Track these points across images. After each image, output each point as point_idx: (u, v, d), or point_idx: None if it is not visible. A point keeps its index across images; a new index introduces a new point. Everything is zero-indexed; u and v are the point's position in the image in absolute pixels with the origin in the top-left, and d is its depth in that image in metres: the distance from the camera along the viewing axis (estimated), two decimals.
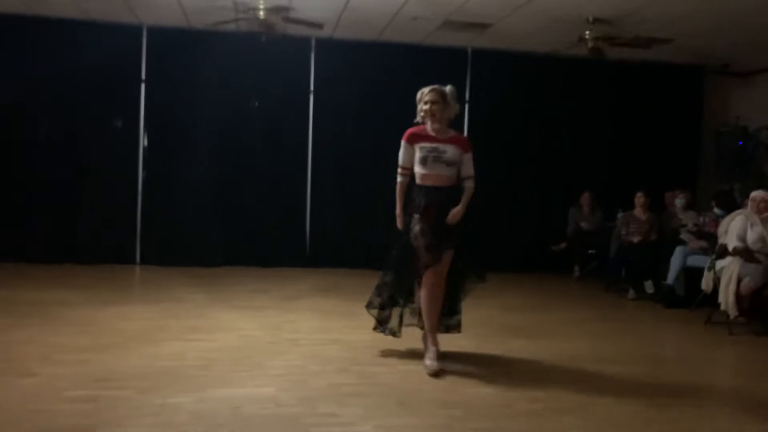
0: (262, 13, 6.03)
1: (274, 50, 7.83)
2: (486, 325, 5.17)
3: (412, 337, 4.24)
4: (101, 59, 7.63)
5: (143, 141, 7.97)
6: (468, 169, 4.15)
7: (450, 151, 4.06)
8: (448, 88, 4.10)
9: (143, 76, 7.94)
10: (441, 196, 4.04)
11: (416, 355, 4.11)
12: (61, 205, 7.73)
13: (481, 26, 7.33)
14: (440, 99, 4.05)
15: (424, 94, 4.08)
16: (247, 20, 6.40)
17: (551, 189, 8.68)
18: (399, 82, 7.42)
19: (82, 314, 5.11)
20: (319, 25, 6.76)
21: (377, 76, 8.18)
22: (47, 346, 4.13)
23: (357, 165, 8.26)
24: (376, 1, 6.57)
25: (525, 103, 8.58)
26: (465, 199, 4.10)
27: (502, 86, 8.45)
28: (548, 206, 8.60)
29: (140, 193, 7.99)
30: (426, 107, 4.06)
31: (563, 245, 8.29)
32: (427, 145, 4.05)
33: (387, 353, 4.21)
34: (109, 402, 3.18)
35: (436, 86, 4.10)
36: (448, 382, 3.75)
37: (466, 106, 8.31)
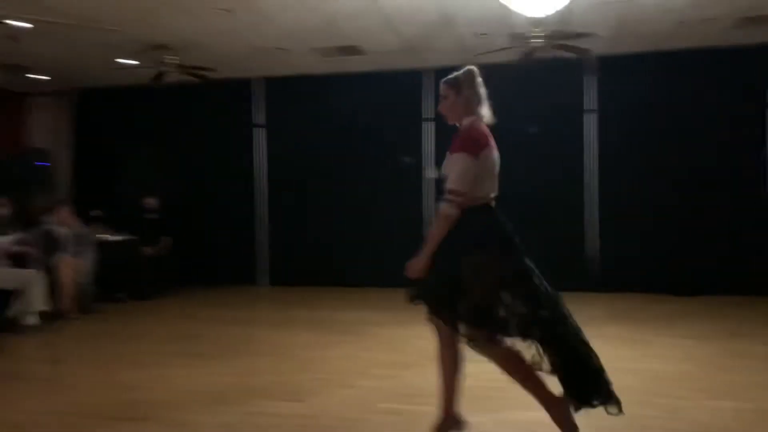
0: (535, 41, 6.11)
1: (541, 75, 7.85)
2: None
3: (725, 370, 3.84)
4: (393, 103, 8.54)
5: (431, 175, 8.60)
6: (450, 178, 2.91)
7: (447, 158, 3.04)
8: (462, 71, 3.09)
9: (431, 115, 8.59)
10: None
11: (726, 389, 3.71)
12: (363, 233, 8.69)
13: None
14: (449, 91, 3.09)
15: None
16: (518, 49, 6.54)
17: None
18: (688, 91, 6.88)
19: (390, 333, 5.68)
20: (585, 51, 6.60)
21: (659, 88, 7.68)
22: (363, 362, 4.68)
23: (652, 179, 7.79)
24: (654, 9, 6.20)
25: None
26: (433, 227, 2.92)
27: None
28: None
29: (426, 223, 8.58)
30: None
31: None
32: None
33: (692, 386, 3.88)
34: (413, 417, 3.47)
35: (450, 76, 3.13)
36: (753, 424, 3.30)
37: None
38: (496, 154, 3.04)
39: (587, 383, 2.91)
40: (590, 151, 8.19)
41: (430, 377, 4.21)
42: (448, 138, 9.02)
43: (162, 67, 7.35)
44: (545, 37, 6.14)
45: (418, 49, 7.61)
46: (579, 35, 6.33)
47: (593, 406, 2.92)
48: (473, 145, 2.94)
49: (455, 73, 3.12)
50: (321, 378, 4.24)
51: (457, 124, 3.13)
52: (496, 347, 2.96)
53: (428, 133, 8.64)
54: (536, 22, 6.00)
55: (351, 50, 7.58)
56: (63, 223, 7.10)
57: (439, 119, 8.44)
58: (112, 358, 5.10)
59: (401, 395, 3.86)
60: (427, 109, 8.58)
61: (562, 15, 6.21)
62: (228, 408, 3.62)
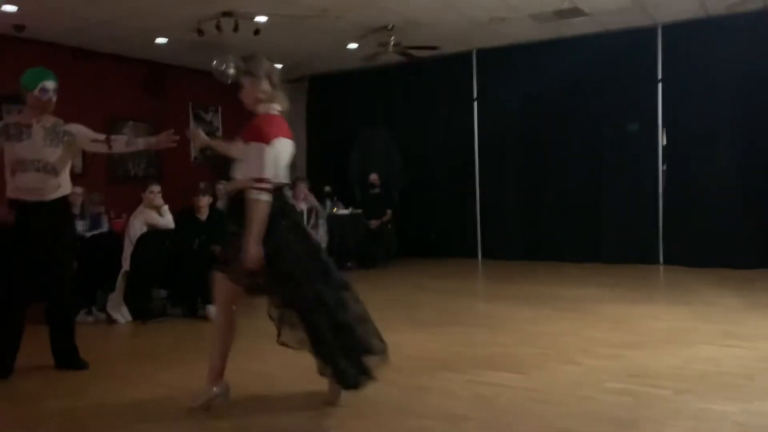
0: None
1: None
2: None
3: None
4: (616, 65, 7.97)
5: (661, 140, 7.93)
6: (249, 167, 3.02)
7: (236, 144, 3.21)
8: (255, 59, 3.19)
9: (659, 76, 7.91)
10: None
11: None
12: (586, 206, 8.33)
13: None
14: (244, 80, 3.18)
15: None
16: None
17: None
18: None
19: (613, 311, 5.39)
20: None
21: None
22: (585, 339, 4.50)
23: None
24: None
25: None
26: (253, 217, 2.97)
27: None
28: None
29: (660, 192, 7.96)
30: None
31: None
32: None
33: None
34: (647, 399, 3.26)
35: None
36: None
37: None
38: (286, 143, 3.13)
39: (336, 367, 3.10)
40: None
41: (661, 358, 3.97)
42: (680, 100, 8.27)
43: (384, 48, 7.69)
44: None
45: (647, 4, 6.99)
46: None
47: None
48: (264, 133, 3.02)
49: (249, 61, 3.22)
50: (543, 352, 4.17)
51: (254, 112, 3.17)
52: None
53: (660, 95, 7.93)
54: None
55: (571, 12, 7.21)
56: (301, 199, 7.83)
57: (667, 78, 7.79)
58: None
59: (630, 375, 3.65)
60: (659, 70, 7.89)
61: None
62: (451, 375, 3.72)
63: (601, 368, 3.81)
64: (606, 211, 8.18)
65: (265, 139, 3.01)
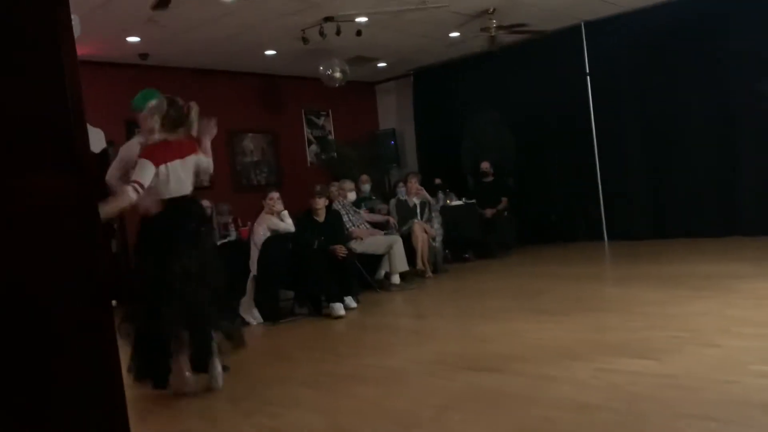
0: None
1: None
2: None
3: None
4: (747, 19, 7.37)
5: None
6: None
7: None
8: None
9: None
10: None
11: None
12: (719, 176, 7.76)
13: None
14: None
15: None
16: None
17: None
18: None
19: (756, 288, 4.98)
20: None
21: None
22: (725, 319, 4.19)
23: None
24: None
25: None
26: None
27: None
28: None
29: None
30: None
31: None
32: None
33: None
34: None
35: None
36: None
37: None
38: (171, 164, 3.62)
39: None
40: None
41: None
42: None
43: (487, 32, 7.56)
44: None
45: None
46: None
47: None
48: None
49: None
50: (678, 336, 3.93)
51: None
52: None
53: None
54: None
55: None
56: (413, 193, 7.88)
57: None
58: (465, 312, 5.52)
59: None
60: None
61: None
62: (579, 364, 3.60)
63: (745, 350, 3.53)
64: (742, 180, 7.57)
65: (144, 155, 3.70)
